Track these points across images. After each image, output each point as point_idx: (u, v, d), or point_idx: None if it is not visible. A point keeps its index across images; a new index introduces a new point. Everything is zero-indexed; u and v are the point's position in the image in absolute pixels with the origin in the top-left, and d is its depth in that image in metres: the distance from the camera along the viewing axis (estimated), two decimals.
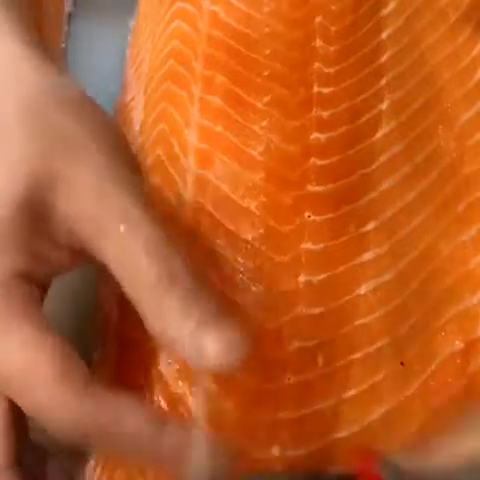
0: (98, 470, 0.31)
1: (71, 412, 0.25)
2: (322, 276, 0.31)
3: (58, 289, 0.29)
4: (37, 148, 0.27)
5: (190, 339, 0.25)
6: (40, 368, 0.25)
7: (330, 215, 0.32)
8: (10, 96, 0.28)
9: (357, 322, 0.30)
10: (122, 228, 0.26)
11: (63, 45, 0.43)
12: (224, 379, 0.30)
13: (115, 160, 0.28)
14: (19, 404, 0.26)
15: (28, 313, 0.26)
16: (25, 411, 0.27)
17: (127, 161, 0.29)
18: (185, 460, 0.26)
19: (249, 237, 0.32)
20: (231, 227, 0.32)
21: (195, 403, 0.30)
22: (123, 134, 0.30)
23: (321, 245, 0.31)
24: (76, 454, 0.31)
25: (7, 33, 0.30)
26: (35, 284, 0.27)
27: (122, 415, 0.26)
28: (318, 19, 0.35)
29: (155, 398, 0.30)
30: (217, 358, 0.25)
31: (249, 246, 0.32)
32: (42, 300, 0.28)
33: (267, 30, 0.35)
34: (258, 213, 0.32)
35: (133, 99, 0.38)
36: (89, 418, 0.25)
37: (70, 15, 0.43)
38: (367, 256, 0.31)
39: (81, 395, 0.25)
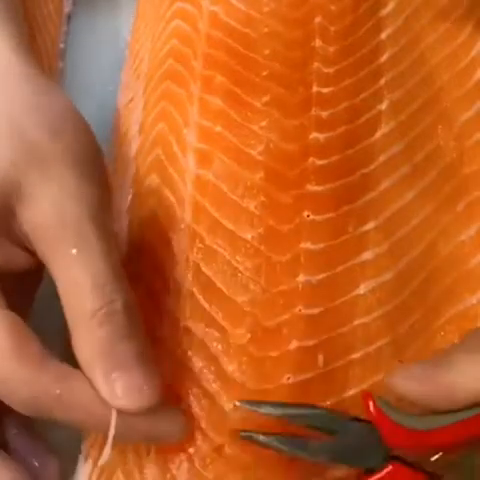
0: (96, 471, 0.31)
1: (28, 384, 0.27)
2: (321, 276, 0.31)
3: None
4: (11, 158, 0.28)
5: (104, 379, 0.27)
6: None
7: (329, 215, 0.32)
8: None
9: (356, 322, 0.30)
10: (74, 251, 0.27)
11: (62, 45, 0.43)
12: (224, 379, 0.30)
13: (86, 177, 0.29)
14: None
15: None
16: None
17: (97, 179, 0.29)
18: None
19: (248, 236, 0.32)
20: (230, 226, 0.32)
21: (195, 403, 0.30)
22: (98, 150, 0.31)
23: (320, 245, 0.31)
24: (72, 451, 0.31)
25: None
26: None
27: (76, 386, 0.27)
28: (317, 19, 0.35)
29: None
30: (123, 403, 0.27)
31: (248, 245, 0.31)
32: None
33: (266, 30, 0.35)
34: (257, 212, 0.32)
35: (132, 99, 0.38)
36: (45, 389, 0.26)
37: (69, 15, 0.43)
38: (366, 256, 0.31)
39: (37, 367, 0.27)
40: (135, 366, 0.27)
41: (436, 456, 0.27)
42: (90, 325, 0.27)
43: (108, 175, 0.31)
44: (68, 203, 0.28)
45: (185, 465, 0.29)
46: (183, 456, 0.29)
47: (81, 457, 0.32)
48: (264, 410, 0.28)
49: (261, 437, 0.28)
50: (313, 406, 0.28)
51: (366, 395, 0.28)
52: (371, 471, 0.27)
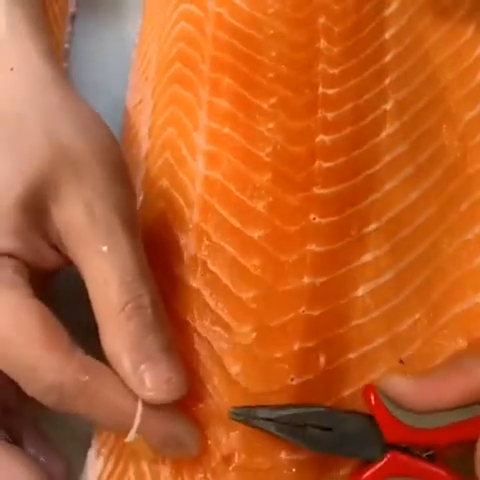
0: (107, 469, 0.31)
1: (56, 370, 0.27)
2: (325, 278, 0.31)
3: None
4: (47, 157, 0.29)
5: (133, 371, 0.28)
6: (28, 330, 0.27)
7: (334, 218, 0.32)
8: (36, 106, 0.30)
9: (356, 322, 0.31)
10: (105, 249, 0.28)
11: (67, 45, 0.43)
12: (228, 381, 0.30)
13: (114, 179, 0.30)
14: (3, 367, 0.28)
15: (15, 282, 0.28)
16: (9, 373, 0.28)
17: (123, 180, 0.31)
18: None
19: (255, 235, 0.32)
20: (238, 225, 0.32)
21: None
22: (121, 152, 0.32)
23: (325, 247, 0.32)
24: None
25: (24, 34, 0.32)
26: (25, 265, 0.29)
27: (102, 377, 0.28)
28: (321, 20, 0.35)
29: None
30: (152, 394, 0.28)
31: (255, 244, 0.32)
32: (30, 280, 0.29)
33: (272, 32, 0.35)
34: (265, 213, 0.32)
35: (141, 101, 0.38)
36: (73, 376, 0.27)
37: (74, 16, 0.43)
38: (366, 258, 0.32)
39: (65, 355, 0.27)
40: (163, 358, 0.28)
41: (429, 452, 0.28)
42: (119, 319, 0.28)
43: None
44: (99, 203, 0.29)
45: (197, 475, 0.29)
46: (194, 466, 0.30)
47: (91, 455, 0.32)
48: (261, 415, 0.28)
49: (261, 422, 0.28)
50: (311, 405, 0.29)
51: (368, 388, 0.28)
52: (370, 461, 0.28)
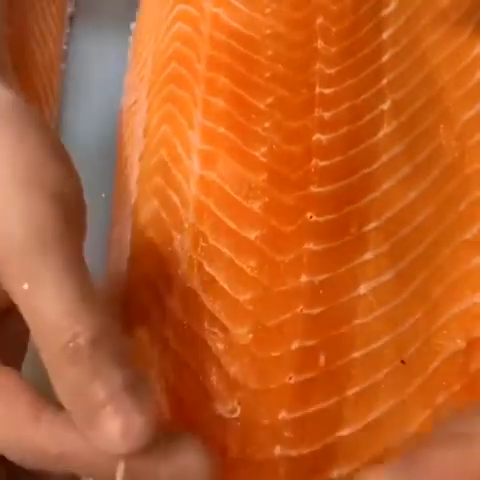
0: None
1: (24, 449, 0.25)
2: (323, 276, 0.31)
3: None
4: None
5: (87, 424, 0.24)
6: None
7: (332, 216, 0.32)
8: None
9: (357, 321, 0.31)
10: (25, 287, 0.24)
11: (65, 46, 0.43)
12: (226, 379, 0.30)
13: (35, 198, 0.25)
14: None
15: None
16: None
17: (58, 195, 0.25)
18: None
19: (252, 236, 0.32)
20: (234, 226, 0.32)
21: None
22: (61, 159, 0.27)
23: (323, 246, 0.31)
24: None
25: None
26: None
27: (75, 439, 0.24)
28: (319, 20, 0.36)
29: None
30: (116, 447, 0.23)
31: (251, 245, 0.32)
32: None
33: (269, 31, 0.35)
34: (261, 213, 0.32)
35: (136, 102, 0.38)
36: (42, 452, 0.24)
37: (72, 16, 0.44)
38: (367, 256, 0.32)
39: (30, 431, 0.25)
40: (120, 402, 0.24)
41: None
42: (58, 365, 0.24)
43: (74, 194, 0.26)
44: (8, 231, 0.24)
45: None
46: None
47: None
48: None
49: None
50: None
51: None
52: None
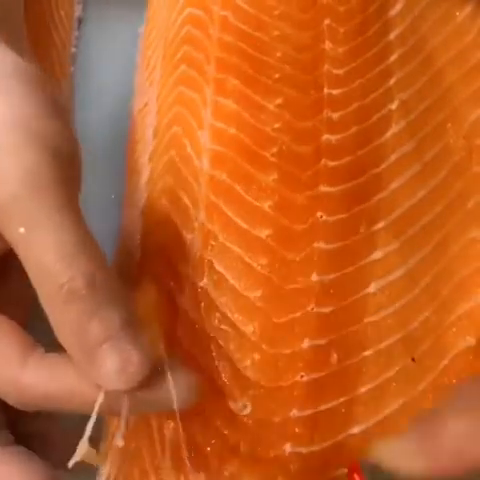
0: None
1: (12, 388, 0.26)
2: (334, 275, 0.31)
3: None
4: None
5: (85, 361, 0.25)
6: None
7: (342, 215, 0.32)
8: None
9: (367, 320, 0.31)
10: (21, 231, 0.25)
11: (73, 49, 0.43)
12: (238, 377, 0.30)
13: (33, 150, 0.26)
14: None
15: None
16: None
17: (55, 148, 0.26)
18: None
19: (263, 235, 0.32)
20: (244, 225, 0.32)
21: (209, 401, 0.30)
22: (58, 115, 0.27)
23: (333, 245, 0.32)
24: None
25: None
26: None
27: (62, 376, 0.26)
28: (326, 21, 0.36)
29: None
30: (113, 384, 0.25)
31: (262, 243, 0.32)
32: None
33: (277, 33, 0.35)
34: (271, 213, 0.32)
35: (146, 105, 0.38)
36: (30, 389, 0.26)
37: (80, 20, 0.44)
38: (377, 255, 0.32)
39: (18, 369, 0.26)
40: (117, 340, 0.25)
41: None
42: (57, 306, 0.25)
43: (70, 139, 0.27)
44: (6, 177, 0.25)
45: (201, 466, 0.29)
46: (199, 456, 0.29)
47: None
48: None
49: None
50: None
51: (353, 468, 0.28)
52: None
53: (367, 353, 0.30)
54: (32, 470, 0.27)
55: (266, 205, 0.32)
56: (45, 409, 0.27)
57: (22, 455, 0.28)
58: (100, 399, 0.25)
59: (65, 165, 0.26)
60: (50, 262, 0.25)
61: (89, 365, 0.25)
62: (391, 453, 0.26)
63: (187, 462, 0.29)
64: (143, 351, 0.25)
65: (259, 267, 0.31)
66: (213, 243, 0.32)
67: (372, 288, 0.31)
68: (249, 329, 0.31)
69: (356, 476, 0.27)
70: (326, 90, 0.34)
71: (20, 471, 0.27)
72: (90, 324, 0.25)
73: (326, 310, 0.31)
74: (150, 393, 0.26)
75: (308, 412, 0.30)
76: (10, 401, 0.27)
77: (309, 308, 0.31)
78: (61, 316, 0.25)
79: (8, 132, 0.26)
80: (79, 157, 0.28)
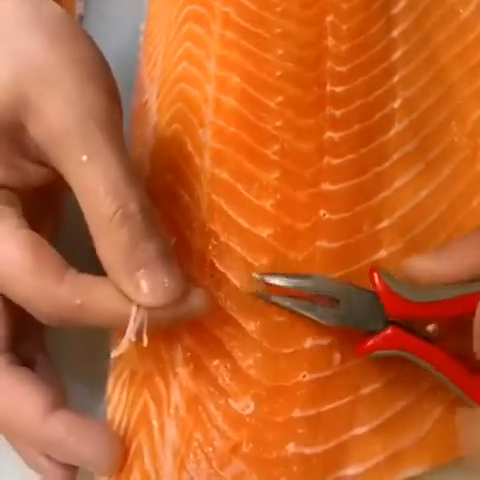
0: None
1: (48, 298, 0.28)
2: (337, 274, 0.31)
3: None
4: (12, 76, 0.28)
5: (128, 279, 0.28)
6: (17, 262, 0.28)
7: (345, 214, 0.32)
8: None
9: None
10: (84, 158, 0.28)
11: None
12: (240, 377, 0.30)
13: (89, 87, 0.29)
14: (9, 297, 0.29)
15: (3, 214, 0.29)
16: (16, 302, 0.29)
17: (106, 90, 0.30)
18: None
19: (264, 234, 0.32)
20: (246, 224, 0.32)
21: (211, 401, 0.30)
22: (106, 64, 0.31)
23: (336, 243, 0.31)
24: None
25: None
26: (11, 191, 0.30)
27: (97, 293, 0.28)
28: (329, 18, 0.35)
29: None
30: (150, 300, 0.28)
31: (264, 243, 0.32)
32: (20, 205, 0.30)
33: (279, 30, 0.35)
34: (273, 211, 0.32)
35: (147, 101, 0.38)
36: (65, 301, 0.28)
37: (81, 18, 0.44)
38: (381, 254, 0.32)
39: (55, 282, 0.28)
40: (157, 265, 0.28)
41: (431, 326, 0.29)
42: (109, 228, 0.28)
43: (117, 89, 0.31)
44: (71, 111, 0.28)
45: (203, 465, 0.29)
46: (201, 456, 0.29)
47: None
48: (277, 281, 0.30)
49: (274, 297, 0.30)
50: (322, 277, 0.30)
51: (373, 268, 0.30)
52: (372, 333, 0.29)
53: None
54: (42, 389, 0.29)
55: (268, 204, 0.32)
56: (76, 323, 0.28)
57: (31, 375, 0.30)
58: (134, 312, 0.28)
59: (115, 103, 0.30)
60: (108, 187, 0.28)
61: (129, 281, 0.28)
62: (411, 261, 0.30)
63: None
64: (180, 274, 0.29)
65: (261, 266, 0.31)
66: (214, 242, 0.32)
67: None
68: (251, 327, 0.30)
69: (375, 274, 0.29)
70: (329, 87, 0.34)
71: (31, 391, 0.29)
72: (140, 245, 0.28)
73: None
74: (177, 307, 0.28)
75: (311, 412, 0.30)
76: (43, 315, 0.28)
77: None
78: (112, 239, 0.28)
79: (76, 78, 0.29)
80: (120, 99, 0.31)
